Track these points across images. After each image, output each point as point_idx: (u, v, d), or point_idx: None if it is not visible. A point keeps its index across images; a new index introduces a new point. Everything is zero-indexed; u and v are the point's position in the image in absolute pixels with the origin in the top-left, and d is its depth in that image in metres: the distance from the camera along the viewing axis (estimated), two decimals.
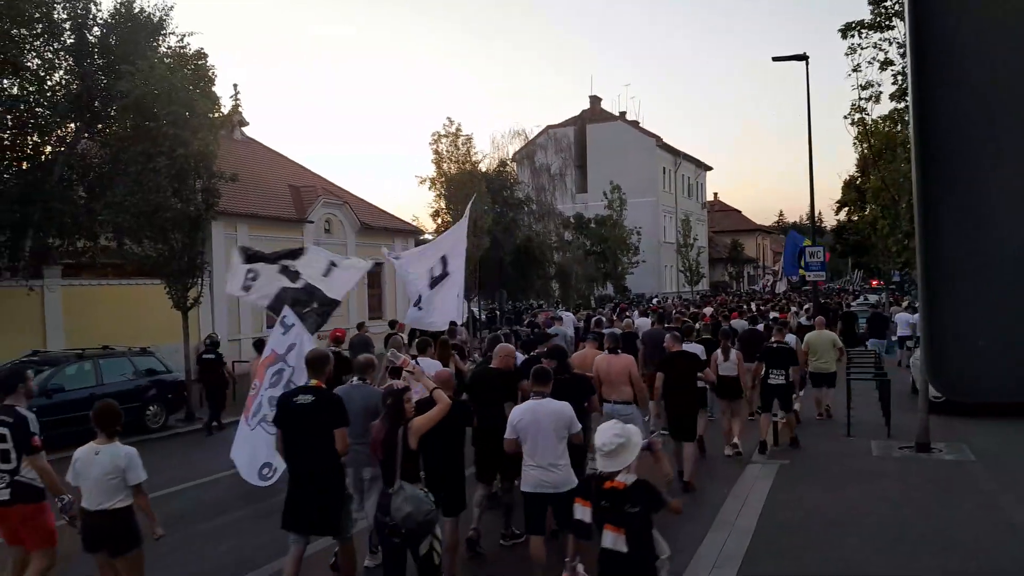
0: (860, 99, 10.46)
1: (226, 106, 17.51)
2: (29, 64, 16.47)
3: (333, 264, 9.40)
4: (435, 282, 11.85)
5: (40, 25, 16.34)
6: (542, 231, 39.34)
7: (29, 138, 16.79)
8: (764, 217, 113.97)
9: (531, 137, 44.24)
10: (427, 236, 34.08)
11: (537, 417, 5.79)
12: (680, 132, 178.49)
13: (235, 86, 19.82)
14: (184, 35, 17.18)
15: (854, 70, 10.28)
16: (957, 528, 7.53)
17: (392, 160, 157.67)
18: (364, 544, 6.84)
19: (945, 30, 0.74)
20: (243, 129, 29.42)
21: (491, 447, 6.66)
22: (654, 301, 34.51)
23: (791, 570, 6.62)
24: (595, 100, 55.00)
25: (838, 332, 15.91)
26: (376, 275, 29.56)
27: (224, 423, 14.07)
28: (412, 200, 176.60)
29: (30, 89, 16.58)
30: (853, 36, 10.12)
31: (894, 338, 22.62)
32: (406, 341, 12.82)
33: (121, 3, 17.37)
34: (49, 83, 16.94)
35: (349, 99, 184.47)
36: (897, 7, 9.68)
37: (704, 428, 10.51)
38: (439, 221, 28.67)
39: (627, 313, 21.36)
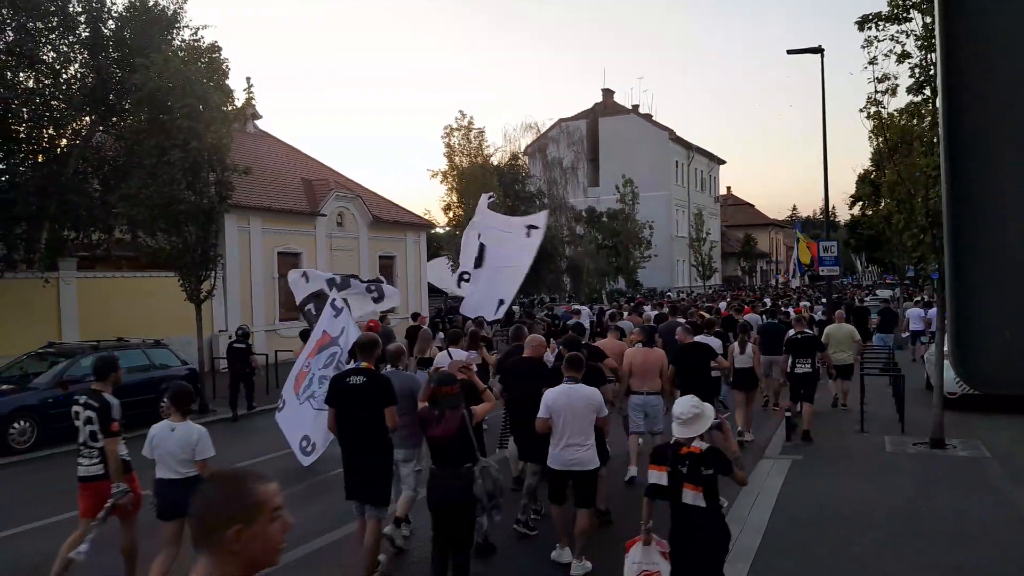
0: (876, 92, 10.32)
1: (239, 99, 17.53)
2: (45, 57, 16.58)
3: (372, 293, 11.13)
4: (492, 271, 11.73)
5: (55, 18, 16.44)
6: (554, 225, 39.30)
7: (45, 131, 16.90)
8: (777, 211, 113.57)
9: (543, 130, 44.20)
10: (439, 230, 34.19)
11: (571, 400, 6.28)
12: (693, 125, 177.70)
13: (248, 79, 19.90)
14: (198, 28, 17.25)
15: (870, 63, 10.14)
16: (971, 524, 7.49)
17: (404, 153, 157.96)
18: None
19: (974, 25, 0.74)
20: (256, 122, 29.52)
21: (526, 433, 6.98)
22: (668, 296, 34.44)
23: (804, 565, 6.60)
24: (608, 93, 54.84)
25: None
26: (389, 269, 29.64)
27: (250, 412, 14.56)
28: (424, 194, 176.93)
29: (46, 82, 16.70)
30: (870, 28, 10.01)
31: (905, 334, 22.57)
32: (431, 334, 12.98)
33: None
34: (64, 76, 17.05)
35: (361, 92, 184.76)
36: None
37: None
38: (451, 215, 28.68)
39: (644, 307, 21.58)
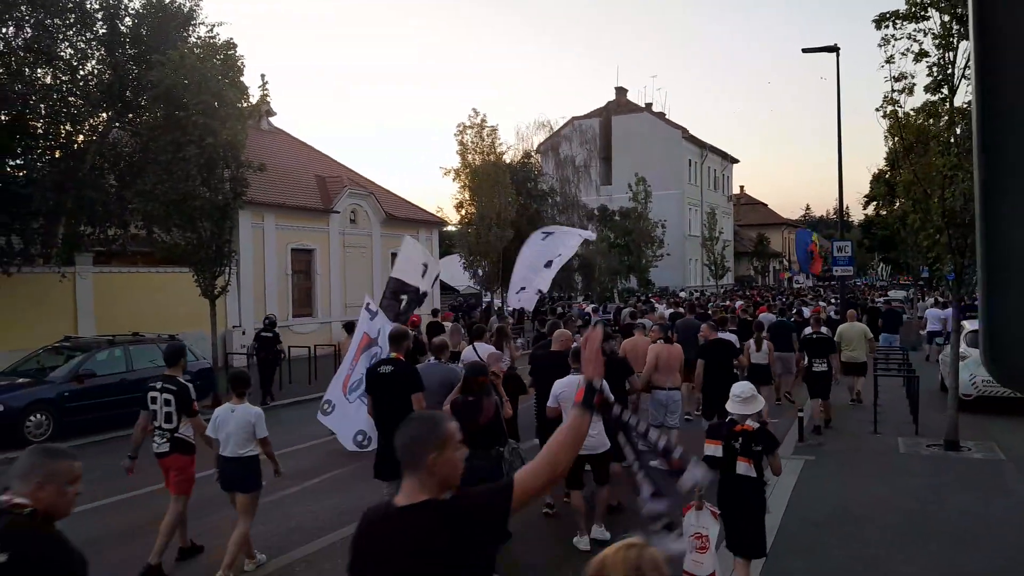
0: (893, 91, 10.25)
1: (254, 96, 17.62)
2: (62, 54, 16.70)
3: (424, 265, 11.36)
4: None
5: (73, 15, 16.56)
6: (566, 223, 39.22)
7: (62, 127, 17.03)
8: (791, 211, 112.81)
9: (556, 128, 44.07)
10: (451, 228, 34.17)
11: (576, 389, 6.49)
12: (707, 124, 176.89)
13: (263, 76, 19.94)
14: (213, 25, 17.33)
15: (887, 61, 10.07)
16: (985, 527, 7.44)
17: (417, 150, 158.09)
18: None
19: (1010, 20, 0.73)
20: (270, 119, 29.64)
21: (551, 423, 7.23)
22: (681, 294, 34.32)
23: (817, 566, 6.58)
24: (621, 91, 54.64)
25: None
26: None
27: (272, 404, 14.80)
28: (437, 191, 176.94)
29: (63, 79, 16.82)
30: (887, 27, 9.93)
31: (923, 332, 22.48)
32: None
33: None
34: (82, 73, 17.17)
35: (374, 90, 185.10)
36: None
37: None
38: (463, 212, 28.66)
39: (658, 305, 21.94)
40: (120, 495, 8.86)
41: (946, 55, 9.64)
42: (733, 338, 11.22)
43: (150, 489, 9.27)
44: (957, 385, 10.93)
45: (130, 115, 17.72)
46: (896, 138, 10.81)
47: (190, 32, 17.63)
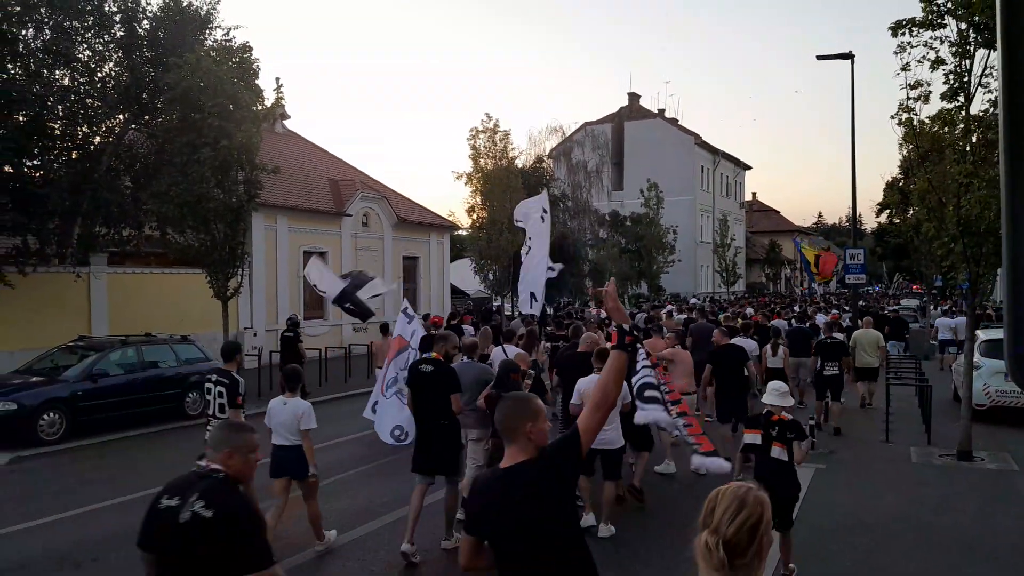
0: (908, 99, 10.20)
1: (269, 99, 17.69)
2: (80, 56, 16.85)
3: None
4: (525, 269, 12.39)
5: (91, 18, 16.71)
6: (577, 228, 39.19)
7: (79, 128, 17.17)
8: (803, 218, 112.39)
9: (568, 134, 44.10)
10: (462, 232, 34.23)
11: None
12: (719, 130, 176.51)
13: (278, 79, 20.03)
14: (230, 29, 17.48)
15: (903, 69, 10.02)
16: (998, 538, 7.38)
17: (429, 154, 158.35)
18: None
19: None
20: (284, 122, 29.78)
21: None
22: (692, 301, 34.25)
23: (827, 574, 6.55)
24: (634, 97, 54.59)
25: None
26: (412, 270, 29.76)
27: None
28: (449, 195, 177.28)
29: (81, 80, 16.97)
30: (903, 34, 9.89)
31: (934, 341, 22.40)
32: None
33: None
34: (99, 75, 17.32)
35: (388, 94, 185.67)
36: (949, 5, 9.45)
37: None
38: (474, 216, 28.71)
39: (672, 311, 22.30)
40: (132, 494, 8.90)
41: (963, 63, 9.59)
42: (752, 344, 11.80)
43: (159, 490, 9.33)
44: (970, 395, 10.85)
45: (146, 117, 17.86)
46: (911, 146, 10.75)
47: (207, 35, 17.76)
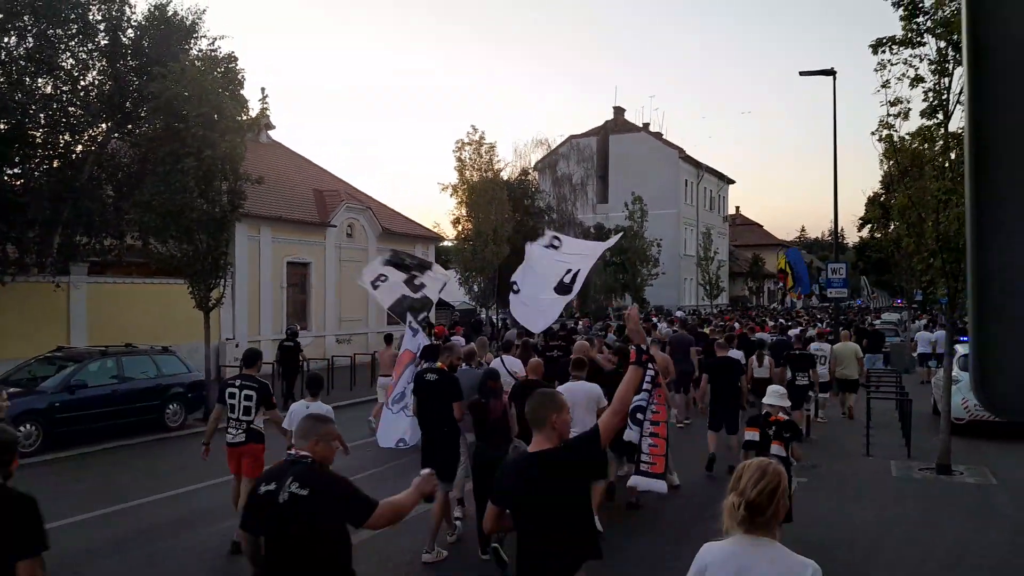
0: (888, 115, 10.33)
1: (254, 109, 17.64)
2: (63, 64, 16.73)
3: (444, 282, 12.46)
4: (561, 289, 11.66)
5: (75, 26, 16.60)
6: None
7: (61, 137, 17.03)
8: (786, 232, 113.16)
9: (554, 147, 44.27)
10: (447, 243, 34.21)
11: (574, 394, 7.32)
12: (703, 145, 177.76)
13: (263, 90, 20.06)
14: (215, 38, 17.46)
15: (883, 86, 10.16)
16: (978, 552, 7.42)
17: (414, 166, 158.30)
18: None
19: (1002, 46, 0.73)
20: (269, 132, 29.70)
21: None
22: (677, 314, 34.38)
23: None
24: (619, 111, 54.89)
25: None
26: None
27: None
28: (434, 207, 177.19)
29: (63, 88, 16.84)
30: (884, 52, 10.02)
31: (914, 354, 22.63)
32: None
33: (155, 6, 17.66)
34: (82, 83, 17.19)
35: (373, 106, 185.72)
36: (929, 24, 9.60)
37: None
38: (459, 228, 28.72)
39: (658, 324, 22.71)
40: (110, 506, 8.78)
41: (942, 81, 9.73)
42: (739, 354, 12.49)
43: (138, 502, 9.23)
44: (949, 409, 10.93)
45: (129, 126, 17.74)
46: (891, 162, 10.88)
47: (192, 45, 17.69)
